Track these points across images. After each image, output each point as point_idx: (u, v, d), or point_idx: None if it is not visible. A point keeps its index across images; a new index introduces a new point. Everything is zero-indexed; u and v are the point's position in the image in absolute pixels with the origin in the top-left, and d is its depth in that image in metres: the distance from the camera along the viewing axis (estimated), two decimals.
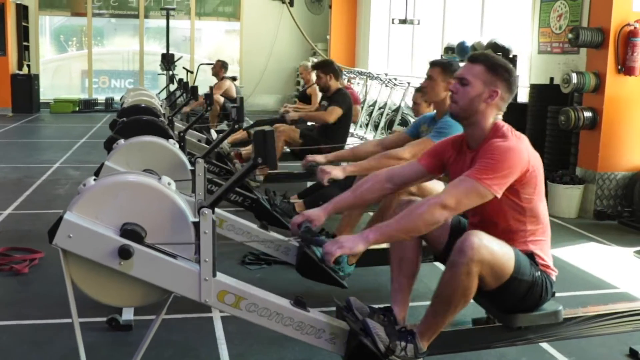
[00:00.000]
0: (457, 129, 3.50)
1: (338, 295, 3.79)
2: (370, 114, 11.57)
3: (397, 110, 10.65)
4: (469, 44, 9.48)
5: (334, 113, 5.87)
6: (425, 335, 2.56)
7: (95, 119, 13.64)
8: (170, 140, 3.61)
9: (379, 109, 11.35)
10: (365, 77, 12.44)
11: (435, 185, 3.54)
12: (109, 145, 4.54)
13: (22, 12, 14.65)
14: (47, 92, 15.67)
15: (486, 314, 2.85)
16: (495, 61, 2.64)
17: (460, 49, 9.60)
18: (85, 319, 3.32)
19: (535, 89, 7.80)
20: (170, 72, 13.63)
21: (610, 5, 6.11)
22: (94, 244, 2.29)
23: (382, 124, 10.91)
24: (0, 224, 5.26)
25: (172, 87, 11.70)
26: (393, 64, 13.90)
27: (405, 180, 2.89)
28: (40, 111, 14.52)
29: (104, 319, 3.31)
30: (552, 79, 7.79)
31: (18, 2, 14.55)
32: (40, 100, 14.85)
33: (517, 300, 2.56)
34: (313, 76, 7.97)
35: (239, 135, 7.65)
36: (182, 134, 4.64)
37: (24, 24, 14.74)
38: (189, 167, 3.59)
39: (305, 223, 2.72)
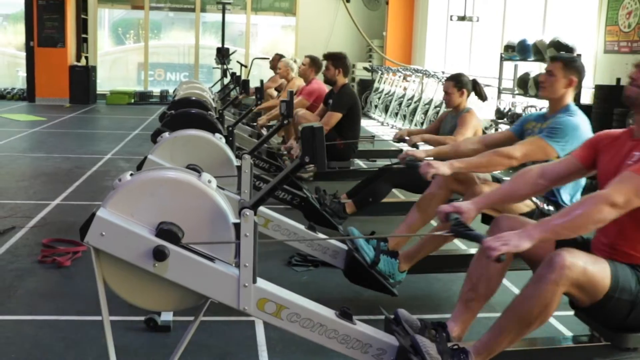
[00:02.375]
0: (574, 130, 3.31)
1: (387, 303, 3.61)
2: (425, 113, 11.30)
3: None
4: (530, 42, 9.13)
5: (332, 119, 5.84)
6: (482, 353, 2.34)
7: (149, 111, 13.71)
8: (217, 134, 3.46)
9: (435, 107, 11.07)
10: (421, 74, 12.15)
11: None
12: (155, 138, 4.43)
13: (82, 4, 14.85)
14: (104, 83, 15.86)
15: (590, 330, 2.61)
16: None
17: (521, 47, 9.25)
18: (121, 317, 3.23)
19: (600, 90, 7.46)
20: (225, 66, 13.63)
21: None
22: (128, 244, 2.14)
23: None
24: (47, 214, 5.21)
25: (226, 80, 11.67)
26: (450, 61, 13.57)
27: (559, 176, 2.70)
28: (97, 102, 14.70)
29: (142, 318, 3.18)
30: (619, 80, 7.42)
31: None
32: (97, 92, 15.04)
33: (622, 318, 2.31)
34: (292, 74, 7.89)
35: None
36: (230, 128, 4.51)
37: (83, 16, 14.93)
38: (235, 163, 3.43)
39: (454, 215, 2.46)
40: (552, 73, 3.46)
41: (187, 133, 3.44)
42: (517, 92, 9.65)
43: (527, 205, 3.42)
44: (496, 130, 10.18)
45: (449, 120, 4.83)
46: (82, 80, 14.31)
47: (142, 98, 15.31)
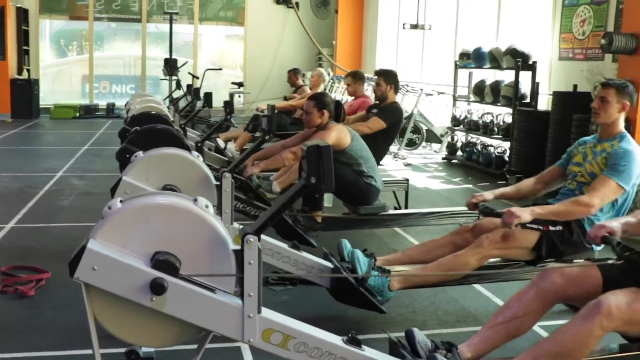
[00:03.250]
0: (636, 162, 3.34)
1: (373, 320, 3.50)
2: None
3: (409, 117, 10.33)
4: (485, 49, 9.19)
5: (375, 124, 5.56)
6: None
7: (96, 125, 13.31)
8: (194, 152, 3.29)
9: None
10: (374, 82, 12.11)
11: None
12: (122, 157, 4.24)
13: (23, 15, 14.33)
14: (47, 97, 15.31)
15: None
16: None
17: (477, 55, 9.31)
18: (103, 350, 3.02)
19: (558, 96, 7.51)
20: (174, 78, 13.36)
21: None
22: (122, 278, 1.97)
23: None
24: (2, 239, 4.92)
25: (177, 93, 11.39)
26: (402, 69, 13.60)
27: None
28: (40, 117, 14.17)
29: (123, 350, 2.97)
30: (575, 86, 7.49)
31: (18, 5, 14.23)
32: (40, 106, 14.51)
33: None
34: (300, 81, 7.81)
35: (243, 138, 7.36)
36: (199, 145, 4.33)
37: (24, 27, 14.41)
38: (214, 182, 3.27)
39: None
40: (606, 99, 3.46)
41: (162, 152, 3.26)
42: (472, 99, 9.71)
43: (531, 239, 3.42)
44: (452, 137, 10.23)
45: None
46: (24, 94, 13.77)
47: (88, 112, 14.84)
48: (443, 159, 10.02)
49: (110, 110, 14.98)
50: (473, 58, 9.42)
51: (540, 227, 3.43)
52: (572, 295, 2.57)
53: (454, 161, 9.83)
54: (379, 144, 5.67)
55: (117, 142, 10.54)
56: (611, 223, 2.55)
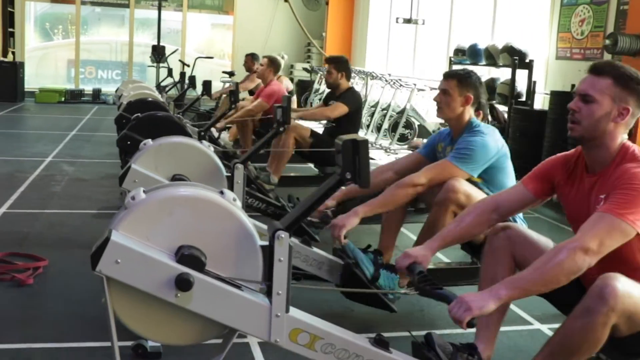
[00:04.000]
0: (484, 151, 3.21)
1: (382, 320, 3.43)
2: (371, 115, 11.20)
3: (402, 112, 10.28)
4: (481, 46, 9.14)
5: (337, 109, 5.53)
6: None
7: (82, 110, 13.09)
8: (204, 142, 3.19)
9: (382, 110, 10.98)
10: (366, 76, 12.06)
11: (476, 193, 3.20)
12: (123, 143, 4.12)
13: None
14: (32, 80, 15.05)
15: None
16: (624, 72, 2.25)
17: (472, 52, 9.25)
18: (105, 343, 2.93)
19: (556, 96, 7.48)
20: (163, 65, 13.20)
21: None
22: (147, 272, 1.88)
23: (385, 126, 10.55)
24: None
25: (167, 81, 11.23)
26: (393, 64, 13.55)
27: (512, 209, 2.57)
28: (25, 100, 13.92)
29: (130, 343, 2.88)
30: (573, 86, 7.46)
31: None
32: (25, 89, 14.25)
33: None
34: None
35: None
36: (203, 134, 4.23)
37: (9, 9, 14.14)
38: (225, 173, 3.17)
39: (417, 267, 2.34)
40: (447, 92, 3.33)
41: (172, 140, 3.16)
42: None
43: None
44: None
45: None
46: (9, 77, 13.51)
47: (74, 96, 14.61)
48: None
49: (97, 95, 14.76)
50: (468, 54, 9.36)
51: None
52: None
53: None
54: (350, 129, 5.62)
55: (105, 128, 10.49)
56: (418, 251, 2.43)
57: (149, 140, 3.13)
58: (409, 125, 10.50)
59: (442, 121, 9.95)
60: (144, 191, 1.99)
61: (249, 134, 6.29)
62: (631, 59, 5.94)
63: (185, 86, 8.11)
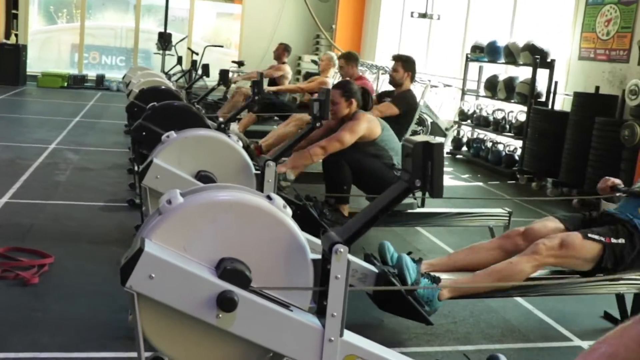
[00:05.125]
0: None
1: (412, 332, 3.19)
2: None
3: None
4: (500, 44, 8.88)
5: (386, 108, 5.36)
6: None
7: (86, 96, 12.81)
8: (232, 136, 2.92)
9: None
10: (377, 70, 11.78)
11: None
12: (138, 134, 3.86)
13: None
14: (34, 64, 14.73)
15: None
16: None
17: (491, 49, 9.00)
18: (116, 353, 2.68)
19: (579, 97, 7.23)
20: (170, 52, 12.91)
21: None
22: (184, 289, 1.62)
23: None
24: None
25: (175, 69, 10.93)
26: None
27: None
28: (27, 84, 13.61)
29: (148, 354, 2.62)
30: (597, 88, 7.21)
31: None
32: (27, 73, 13.94)
33: None
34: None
35: (248, 119, 7.00)
36: (224, 126, 3.96)
37: None
38: (254, 170, 2.91)
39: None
40: None
41: (198, 133, 2.89)
42: (482, 94, 9.41)
43: (593, 249, 3.12)
44: (458, 131, 9.93)
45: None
46: (11, 60, 13.19)
47: (77, 82, 14.30)
48: (447, 153, 9.71)
49: (100, 81, 14.47)
50: (487, 52, 9.11)
51: (602, 239, 3.15)
52: None
53: (458, 156, 9.54)
54: (398, 129, 5.37)
55: (110, 115, 10.21)
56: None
57: (172, 132, 2.86)
58: (421, 122, 10.22)
59: (457, 119, 9.77)
60: (181, 194, 1.73)
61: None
62: None
63: (197, 75, 7.83)
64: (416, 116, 9.85)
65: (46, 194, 5.18)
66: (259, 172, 2.90)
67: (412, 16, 11.46)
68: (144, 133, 3.86)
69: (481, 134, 9.34)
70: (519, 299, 3.77)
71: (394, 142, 4.33)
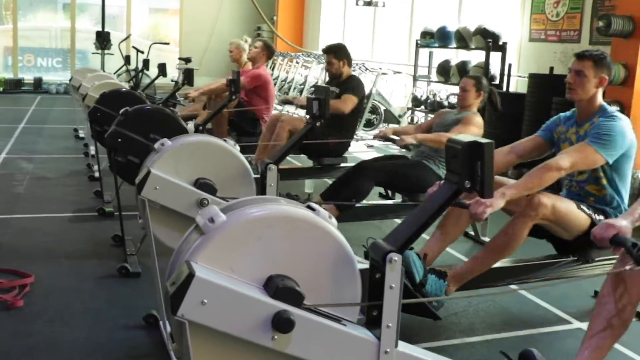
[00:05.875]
0: (621, 136, 3.06)
1: (420, 326, 3.15)
2: None
3: (367, 97, 9.98)
4: (450, 29, 8.93)
5: (350, 102, 5.11)
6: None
7: (25, 100, 12.32)
8: (229, 140, 2.81)
9: None
10: (323, 60, 11.70)
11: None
12: (113, 141, 3.69)
13: None
14: None
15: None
16: None
17: (441, 34, 9.05)
18: None
19: (535, 78, 7.32)
20: (109, 52, 12.58)
21: None
22: (238, 313, 1.52)
23: None
24: None
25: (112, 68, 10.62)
26: (350, 47, 13.22)
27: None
28: None
29: None
30: (552, 69, 7.33)
31: None
32: None
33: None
34: (244, 57, 7.00)
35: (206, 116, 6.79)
36: (201, 128, 3.83)
37: None
38: (253, 175, 2.81)
39: (624, 238, 2.20)
40: (583, 73, 3.15)
41: (193, 140, 2.77)
42: (434, 79, 9.46)
43: (581, 222, 3.11)
44: (412, 117, 9.98)
45: (448, 118, 4.41)
46: None
47: (13, 86, 13.76)
48: None
49: (38, 85, 13.96)
50: (437, 37, 9.16)
51: (592, 215, 3.15)
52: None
53: None
54: (352, 120, 5.32)
55: (54, 119, 9.85)
56: (619, 221, 2.29)
57: (166, 140, 2.73)
58: (374, 110, 10.24)
59: (409, 105, 9.80)
60: (221, 209, 1.63)
61: (225, 122, 5.82)
62: (622, 40, 5.80)
63: (142, 74, 7.62)
64: (369, 105, 9.91)
65: (8, 207, 4.93)
66: (257, 176, 2.80)
67: (357, 4, 11.43)
68: (119, 140, 3.70)
69: None
70: (512, 286, 3.79)
71: None
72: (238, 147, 2.80)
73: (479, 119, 4.22)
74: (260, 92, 6.07)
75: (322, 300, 1.64)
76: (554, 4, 7.71)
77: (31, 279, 3.46)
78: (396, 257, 1.62)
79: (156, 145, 2.73)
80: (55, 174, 6.15)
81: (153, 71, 9.00)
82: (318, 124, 2.83)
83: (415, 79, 9.84)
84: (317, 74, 11.94)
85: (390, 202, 4.75)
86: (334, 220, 1.68)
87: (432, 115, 9.36)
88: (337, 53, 5.27)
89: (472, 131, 4.10)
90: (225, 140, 2.80)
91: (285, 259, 1.61)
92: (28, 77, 14.32)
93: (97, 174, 5.76)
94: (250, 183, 2.78)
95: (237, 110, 5.97)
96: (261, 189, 2.68)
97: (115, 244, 4.11)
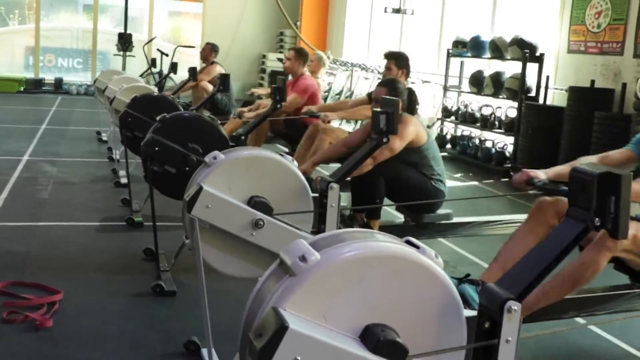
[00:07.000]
0: None
1: None
2: None
3: None
4: (484, 38, 8.68)
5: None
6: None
7: (46, 101, 12.17)
8: (286, 156, 2.57)
9: None
10: (350, 67, 11.49)
11: None
12: (150, 150, 3.48)
13: None
14: None
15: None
16: None
17: (475, 44, 8.79)
18: None
19: (575, 92, 7.07)
20: (130, 54, 12.43)
21: None
22: None
23: None
24: None
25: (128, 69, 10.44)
26: (375, 55, 12.98)
27: None
28: None
29: None
30: (593, 82, 7.07)
31: None
32: None
33: None
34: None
35: (236, 124, 6.60)
36: (243, 138, 3.60)
37: None
38: (311, 193, 2.57)
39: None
40: None
41: (249, 154, 2.53)
42: (465, 89, 9.21)
43: None
44: (441, 128, 9.72)
45: None
46: None
47: (34, 86, 13.63)
48: None
49: (59, 85, 13.83)
50: (470, 47, 8.90)
51: None
52: None
53: (443, 154, 9.29)
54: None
55: (77, 121, 9.68)
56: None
57: (218, 153, 2.49)
58: None
59: (439, 116, 9.53)
60: (307, 245, 1.39)
61: (264, 135, 5.61)
62: None
63: (166, 75, 7.49)
64: None
65: (33, 213, 4.72)
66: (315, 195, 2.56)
67: (385, 12, 11.19)
68: (156, 148, 3.49)
69: (466, 130, 9.14)
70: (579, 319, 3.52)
71: (437, 150, 4.03)
72: (296, 163, 2.56)
73: (406, 126, 3.82)
74: (308, 101, 5.86)
75: (423, 349, 1.40)
76: (595, 15, 7.44)
77: (60, 295, 3.24)
78: (516, 306, 1.37)
79: (207, 159, 2.49)
80: (80, 178, 5.95)
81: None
82: (385, 139, 2.58)
83: (445, 89, 9.59)
84: (341, 82, 11.70)
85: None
86: (440, 260, 1.43)
87: (463, 128, 9.14)
88: (398, 60, 5.06)
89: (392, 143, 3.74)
90: (282, 155, 2.57)
91: (385, 305, 1.37)
92: (49, 77, 14.19)
93: (122, 180, 5.57)
94: (308, 201, 2.54)
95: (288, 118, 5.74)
96: (319, 210, 2.43)
97: (146, 257, 3.89)
